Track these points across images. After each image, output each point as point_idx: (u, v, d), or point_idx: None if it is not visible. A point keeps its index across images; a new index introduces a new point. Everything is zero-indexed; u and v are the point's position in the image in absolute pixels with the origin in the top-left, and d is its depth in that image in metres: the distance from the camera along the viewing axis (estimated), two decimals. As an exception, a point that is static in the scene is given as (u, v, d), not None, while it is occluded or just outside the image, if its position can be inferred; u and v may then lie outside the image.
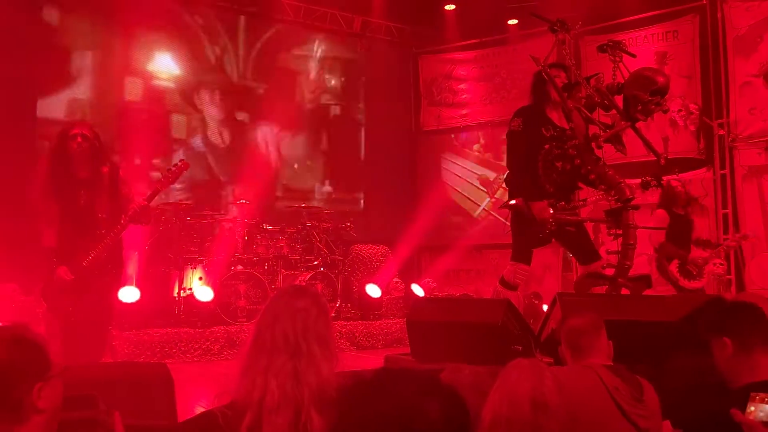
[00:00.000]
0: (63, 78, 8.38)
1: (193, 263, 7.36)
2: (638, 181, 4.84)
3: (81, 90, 8.49)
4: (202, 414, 1.76)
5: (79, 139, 4.28)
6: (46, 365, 1.57)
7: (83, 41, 8.52)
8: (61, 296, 4.27)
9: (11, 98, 7.72)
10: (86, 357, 4.32)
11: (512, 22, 10.27)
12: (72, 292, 4.26)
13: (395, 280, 9.07)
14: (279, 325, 1.77)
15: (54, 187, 4.32)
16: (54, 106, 8.26)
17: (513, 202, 4.92)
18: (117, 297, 4.98)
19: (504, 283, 4.95)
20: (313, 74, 10.55)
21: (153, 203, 4.55)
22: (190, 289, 7.20)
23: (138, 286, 6.86)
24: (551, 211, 4.72)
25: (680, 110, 8.74)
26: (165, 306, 7.23)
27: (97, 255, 4.27)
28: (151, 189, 4.50)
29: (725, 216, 8.43)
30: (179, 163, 4.63)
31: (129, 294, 6.69)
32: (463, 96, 10.94)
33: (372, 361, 6.03)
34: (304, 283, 7.52)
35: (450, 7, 10.57)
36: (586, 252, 5.05)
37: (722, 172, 8.50)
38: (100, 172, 4.38)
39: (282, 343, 1.75)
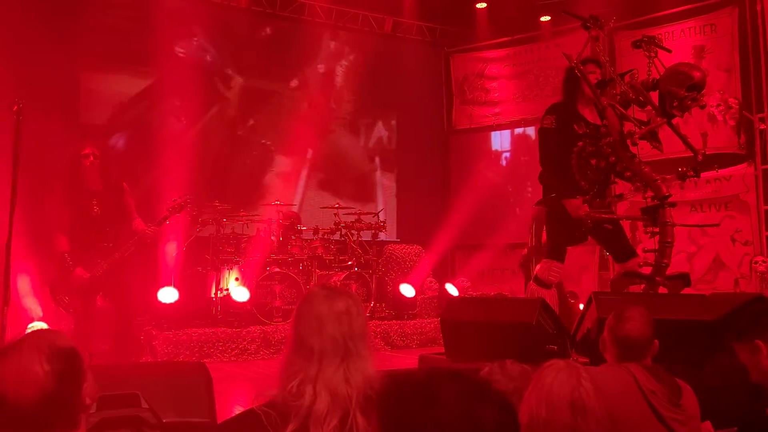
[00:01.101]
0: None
1: (230, 264, 7.46)
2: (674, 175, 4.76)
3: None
4: (245, 413, 1.76)
5: (91, 158, 5.03)
6: (83, 363, 1.57)
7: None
8: (71, 295, 4.95)
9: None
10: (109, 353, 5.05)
11: (544, 18, 10.18)
12: (84, 293, 4.93)
13: (429, 279, 9.06)
14: (325, 329, 1.76)
15: (69, 197, 5.01)
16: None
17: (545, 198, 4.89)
18: (136, 296, 5.57)
19: (538, 280, 4.91)
20: (344, 76, 10.60)
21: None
22: (227, 289, 7.30)
23: (176, 286, 6.98)
24: (587, 208, 4.67)
25: (719, 105, 8.57)
26: (203, 306, 7.34)
27: (106, 268, 4.96)
28: (159, 216, 5.32)
29: None
30: (184, 200, 5.37)
31: (168, 294, 6.82)
32: (495, 94, 10.88)
33: (406, 361, 6.04)
34: (337, 284, 7.56)
35: (481, 5, 10.52)
36: (623, 250, 4.98)
37: (764, 167, 8.31)
38: (108, 185, 5.13)
39: (331, 348, 1.75)
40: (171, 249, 7.47)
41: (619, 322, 2.57)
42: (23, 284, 5.97)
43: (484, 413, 1.03)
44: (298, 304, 1.88)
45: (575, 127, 4.78)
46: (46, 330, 1.60)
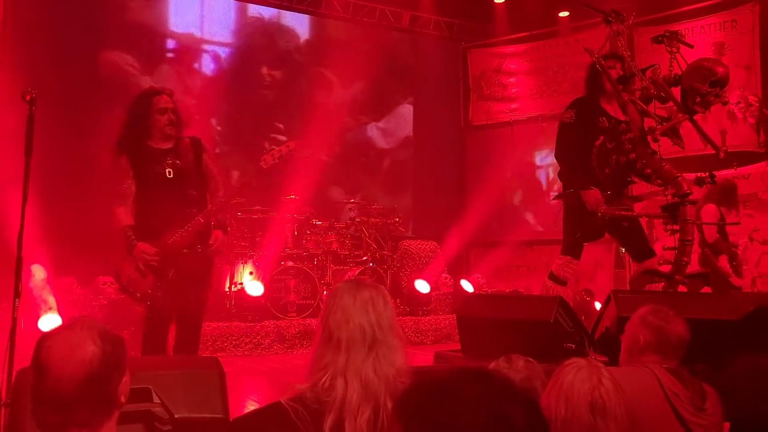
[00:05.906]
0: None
1: (244, 258, 7.45)
2: (692, 176, 4.69)
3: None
4: (272, 406, 1.73)
5: (169, 114, 3.96)
6: (126, 355, 1.55)
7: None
8: (139, 279, 3.87)
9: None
10: (177, 347, 4.03)
11: (563, 14, 10.09)
12: (154, 273, 3.87)
13: (444, 275, 9.02)
14: (353, 320, 1.77)
15: (132, 160, 3.93)
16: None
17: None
18: (211, 282, 4.41)
19: (553, 277, 4.87)
20: (362, 70, 10.55)
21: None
22: (241, 283, 7.30)
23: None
24: (602, 200, 4.60)
25: (739, 102, 8.45)
26: (217, 300, 7.30)
27: (182, 235, 3.88)
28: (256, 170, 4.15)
29: (787, 211, 8.12)
30: (287, 146, 4.13)
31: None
32: (513, 90, 10.81)
33: (421, 358, 6.00)
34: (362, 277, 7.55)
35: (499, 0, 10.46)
36: (640, 248, 4.92)
37: (783, 165, 8.18)
38: (183, 141, 4.03)
39: (359, 338, 1.75)
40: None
41: (668, 323, 2.48)
42: (37, 275, 5.97)
43: (516, 415, 1.00)
44: (326, 300, 1.90)
45: (597, 122, 4.71)
46: (96, 317, 1.59)
